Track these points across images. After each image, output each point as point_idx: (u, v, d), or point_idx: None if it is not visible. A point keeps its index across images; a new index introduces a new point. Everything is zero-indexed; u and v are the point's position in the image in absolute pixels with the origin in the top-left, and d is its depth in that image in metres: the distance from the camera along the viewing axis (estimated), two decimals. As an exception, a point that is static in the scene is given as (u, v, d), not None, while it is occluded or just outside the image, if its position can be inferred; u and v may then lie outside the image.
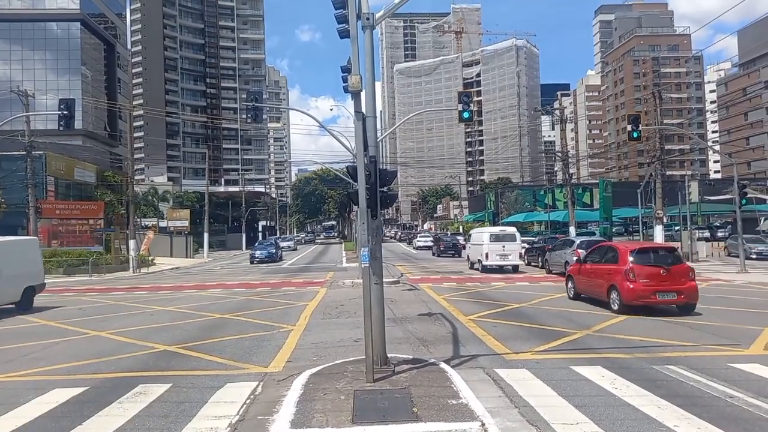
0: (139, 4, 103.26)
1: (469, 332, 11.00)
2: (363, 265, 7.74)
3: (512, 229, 27.79)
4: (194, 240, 51.73)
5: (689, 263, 18.27)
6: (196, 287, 22.40)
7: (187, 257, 48.24)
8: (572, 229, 34.94)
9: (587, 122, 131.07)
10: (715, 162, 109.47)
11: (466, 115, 15.30)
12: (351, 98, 7.84)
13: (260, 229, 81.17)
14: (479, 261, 26.21)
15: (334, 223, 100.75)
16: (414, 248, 53.39)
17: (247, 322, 12.92)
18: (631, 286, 12.74)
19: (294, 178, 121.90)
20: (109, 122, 69.12)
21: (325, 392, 6.85)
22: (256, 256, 39.13)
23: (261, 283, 23.24)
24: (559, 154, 39.65)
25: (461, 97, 15.82)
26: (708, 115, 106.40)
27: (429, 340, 10.29)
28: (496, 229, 28.51)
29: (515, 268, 26.07)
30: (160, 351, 9.91)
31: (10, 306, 15.82)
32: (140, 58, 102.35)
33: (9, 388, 7.66)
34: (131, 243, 34.42)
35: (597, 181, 52.26)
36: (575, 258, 19.28)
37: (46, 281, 18.11)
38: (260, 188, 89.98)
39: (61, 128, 21.39)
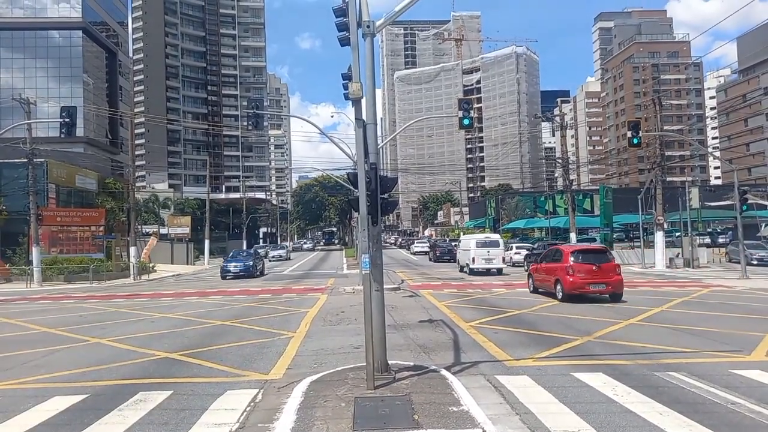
0: (140, 12, 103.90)
1: (470, 339, 10.99)
2: (364, 272, 7.75)
3: (496, 236, 31.36)
4: (195, 247, 51.66)
5: (691, 269, 18.72)
6: (197, 294, 22.40)
7: (188, 264, 48.16)
8: (573, 236, 34.82)
9: (587, 129, 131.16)
10: (715, 168, 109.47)
11: (466, 121, 15.35)
12: (351, 105, 7.86)
13: (261, 235, 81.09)
14: (467, 264, 28.33)
15: (334, 229, 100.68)
16: (412, 253, 56.01)
17: (248, 329, 12.90)
18: (571, 279, 15.82)
19: (295, 185, 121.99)
20: (111, 129, 69.37)
21: (325, 399, 6.83)
22: (230, 270, 30.84)
23: (262, 290, 23.25)
24: (560, 161, 39.66)
25: (461, 103, 15.89)
26: (708, 121, 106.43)
27: (430, 347, 10.27)
28: (481, 236, 31.85)
29: (499, 271, 27.82)
30: (160, 358, 9.90)
31: None
32: (142, 66, 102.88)
33: (9, 396, 7.64)
34: (132, 250, 34.50)
35: (597, 188, 52.30)
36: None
37: (47, 287, 18.09)
38: (261, 195, 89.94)
39: (62, 136, 21.51)
